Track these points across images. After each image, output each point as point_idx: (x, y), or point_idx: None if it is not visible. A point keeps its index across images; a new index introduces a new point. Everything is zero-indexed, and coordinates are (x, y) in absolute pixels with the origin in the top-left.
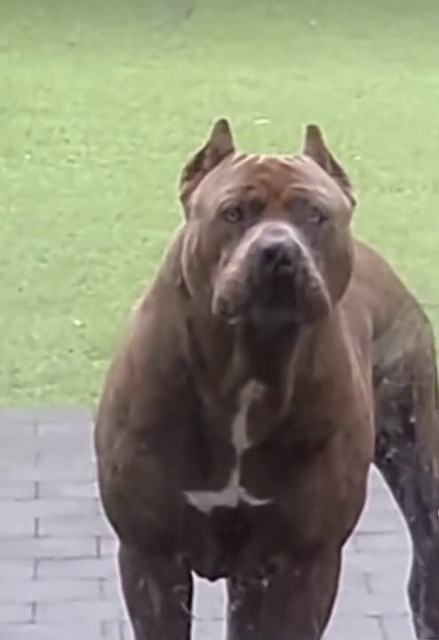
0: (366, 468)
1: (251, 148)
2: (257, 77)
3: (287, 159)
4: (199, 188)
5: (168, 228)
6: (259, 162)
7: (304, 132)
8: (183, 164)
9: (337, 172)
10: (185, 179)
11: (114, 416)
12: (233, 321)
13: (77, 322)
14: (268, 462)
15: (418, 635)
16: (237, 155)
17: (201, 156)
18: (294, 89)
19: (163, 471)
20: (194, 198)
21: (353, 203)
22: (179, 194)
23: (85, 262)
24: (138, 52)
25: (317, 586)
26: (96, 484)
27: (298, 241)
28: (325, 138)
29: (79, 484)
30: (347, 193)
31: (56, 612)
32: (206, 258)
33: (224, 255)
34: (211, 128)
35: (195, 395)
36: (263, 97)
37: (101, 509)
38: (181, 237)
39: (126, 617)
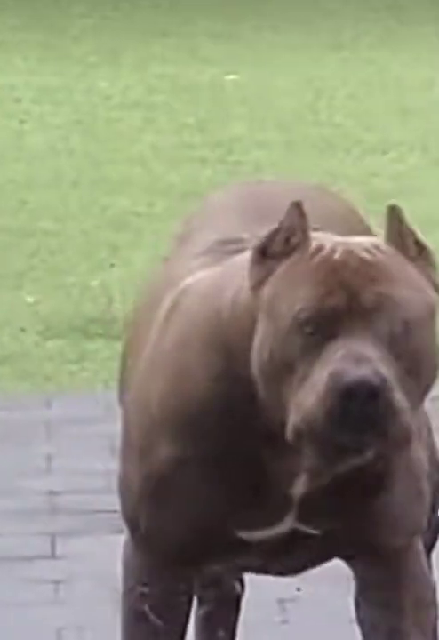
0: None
1: (220, 106)
2: (227, 29)
3: (366, 250)
4: (271, 285)
5: (130, 194)
6: (337, 257)
7: (384, 214)
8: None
9: (420, 253)
10: (256, 262)
11: (156, 423)
12: (306, 450)
13: (30, 298)
14: (327, 498)
15: None
16: (313, 246)
17: (273, 240)
18: (268, 42)
19: (207, 502)
20: (265, 296)
21: (438, 290)
22: (250, 283)
23: (38, 233)
24: (96, 2)
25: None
26: (52, 478)
27: (383, 370)
28: (304, 98)
29: (32, 476)
30: (430, 278)
31: (6, 618)
32: (280, 370)
33: (300, 371)
34: (287, 210)
35: (255, 441)
36: (234, 51)
37: (56, 505)
38: (252, 319)
39: (84, 622)
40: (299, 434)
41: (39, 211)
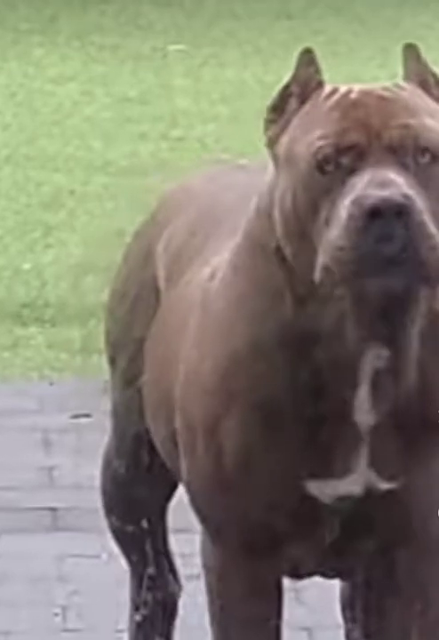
0: None
1: (163, 77)
2: None
3: (385, 89)
4: (288, 134)
5: (66, 171)
6: (353, 96)
7: (401, 53)
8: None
9: None
10: (270, 121)
11: (218, 396)
12: (340, 292)
13: None
14: (397, 439)
15: None
16: (327, 90)
17: (285, 94)
18: (213, 11)
19: (278, 456)
20: (282, 146)
21: None
22: (265, 140)
23: None
24: None
25: None
26: None
27: (408, 191)
28: (251, 70)
29: None
30: None
31: None
32: (304, 217)
33: (324, 212)
34: (296, 59)
35: (309, 367)
36: (177, 19)
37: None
38: (271, 189)
39: (11, 627)
40: (328, 273)
41: None
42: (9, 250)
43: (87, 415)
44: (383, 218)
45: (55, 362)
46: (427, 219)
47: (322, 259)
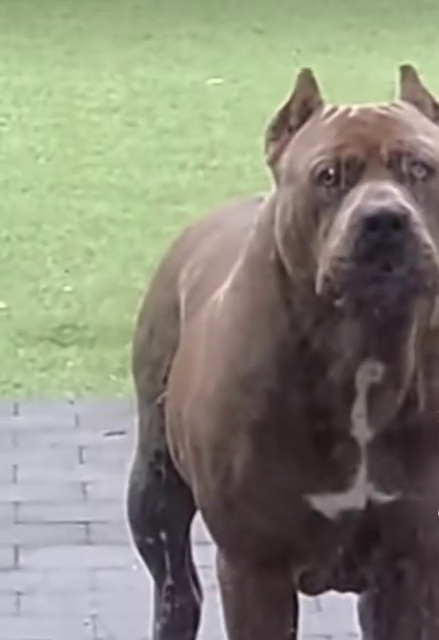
0: None
1: (202, 110)
2: (210, 32)
3: (383, 108)
4: (288, 151)
5: (108, 199)
6: (352, 114)
7: (397, 75)
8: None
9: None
10: (271, 140)
11: (221, 413)
12: (340, 302)
13: (2, 304)
14: (396, 452)
15: None
16: (327, 108)
17: (286, 112)
18: (251, 45)
19: (282, 473)
20: (283, 162)
21: None
22: (266, 158)
23: (13, 238)
24: (78, 4)
25: None
26: (15, 487)
27: (405, 202)
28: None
29: None
30: None
31: None
32: (303, 229)
33: (323, 225)
34: (296, 79)
35: (306, 384)
36: (216, 54)
37: (21, 516)
38: (273, 206)
39: (42, 637)
40: (328, 282)
41: (14, 215)
42: (51, 274)
43: (121, 433)
44: (381, 228)
45: (91, 382)
46: (423, 231)
47: (322, 269)
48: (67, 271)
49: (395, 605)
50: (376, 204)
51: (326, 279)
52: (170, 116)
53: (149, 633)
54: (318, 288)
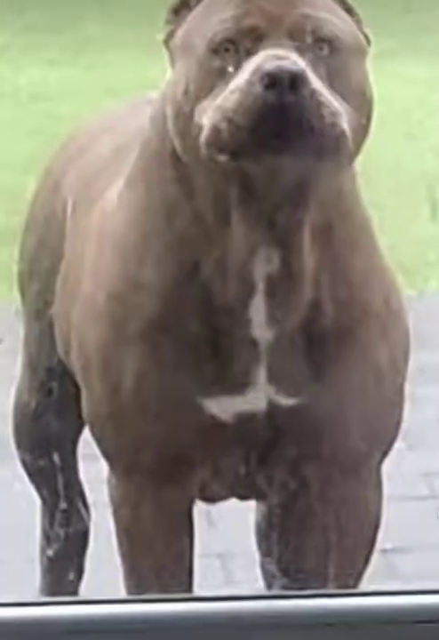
0: (404, 375)
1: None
2: None
3: None
4: (185, 25)
5: None
6: None
7: None
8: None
9: (347, 10)
10: (168, 22)
11: (108, 321)
12: (224, 157)
13: None
14: (298, 355)
15: (268, 583)
16: None
17: None
18: None
19: (174, 378)
20: (178, 38)
21: (368, 41)
22: (163, 39)
23: None
24: None
25: (358, 511)
26: None
27: (307, 68)
28: None
29: None
30: (360, 30)
31: None
32: (196, 99)
33: (217, 93)
34: None
35: (203, 279)
36: None
37: None
38: (166, 90)
39: None
40: (216, 133)
41: None
42: None
43: None
44: (280, 85)
45: None
46: (326, 94)
47: (211, 121)
48: None
49: (298, 523)
50: (276, 63)
51: (214, 129)
52: None
53: (34, 553)
54: (202, 141)
